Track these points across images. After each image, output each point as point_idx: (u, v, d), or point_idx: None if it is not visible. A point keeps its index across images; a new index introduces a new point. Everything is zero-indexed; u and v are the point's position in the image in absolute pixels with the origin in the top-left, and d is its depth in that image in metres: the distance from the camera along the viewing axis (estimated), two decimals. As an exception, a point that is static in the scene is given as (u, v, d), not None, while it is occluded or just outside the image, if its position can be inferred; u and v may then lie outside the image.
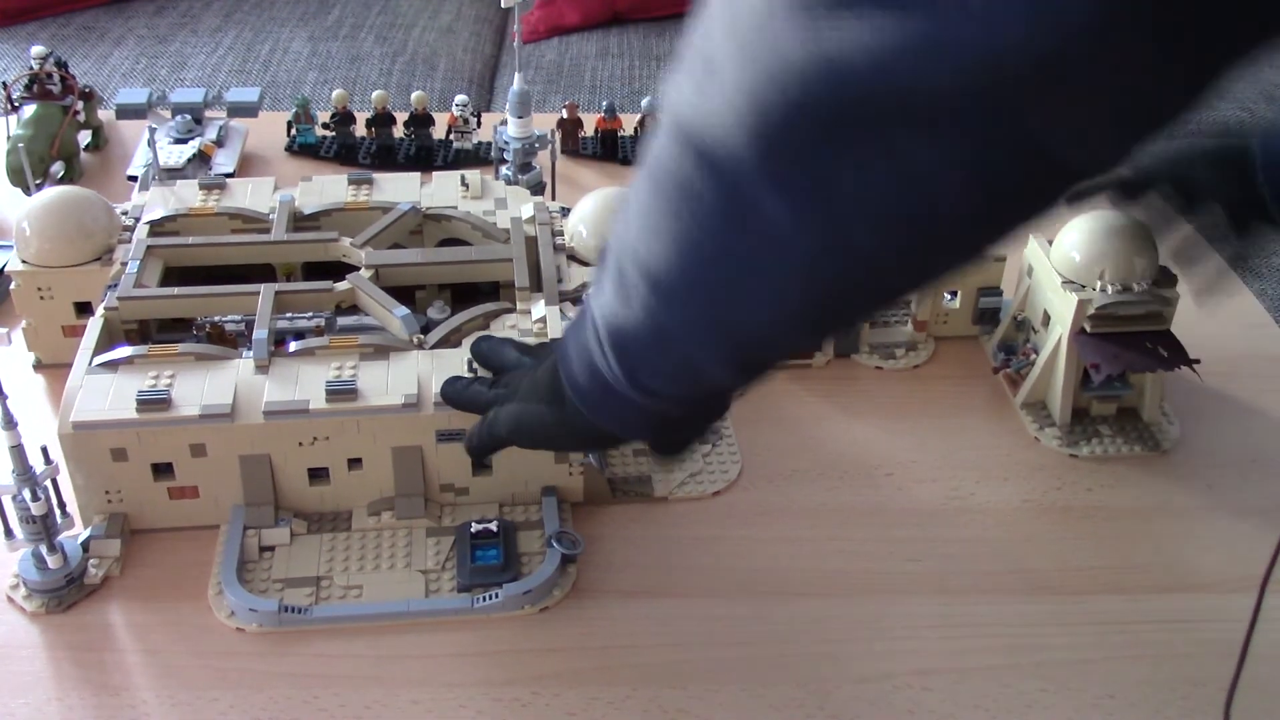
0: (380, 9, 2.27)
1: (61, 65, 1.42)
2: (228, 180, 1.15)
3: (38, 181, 1.33)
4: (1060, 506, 1.00)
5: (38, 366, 1.11)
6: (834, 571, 0.94)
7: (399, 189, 1.15)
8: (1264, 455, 1.06)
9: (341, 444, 0.92)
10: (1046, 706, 0.84)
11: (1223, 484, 1.03)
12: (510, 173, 1.26)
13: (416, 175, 1.17)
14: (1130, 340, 1.02)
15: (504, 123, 1.30)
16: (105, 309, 0.99)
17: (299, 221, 1.11)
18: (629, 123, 1.51)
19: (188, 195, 1.13)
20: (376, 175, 1.16)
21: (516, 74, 1.20)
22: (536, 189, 1.25)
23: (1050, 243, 1.07)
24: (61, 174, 1.35)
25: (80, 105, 1.41)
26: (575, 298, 1.00)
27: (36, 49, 1.41)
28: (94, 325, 0.98)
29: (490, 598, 0.88)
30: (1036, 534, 0.98)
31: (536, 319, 0.97)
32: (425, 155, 1.46)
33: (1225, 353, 1.17)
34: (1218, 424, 1.07)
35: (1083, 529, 0.98)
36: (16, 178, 1.34)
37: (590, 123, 1.50)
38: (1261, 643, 0.89)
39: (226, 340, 1.02)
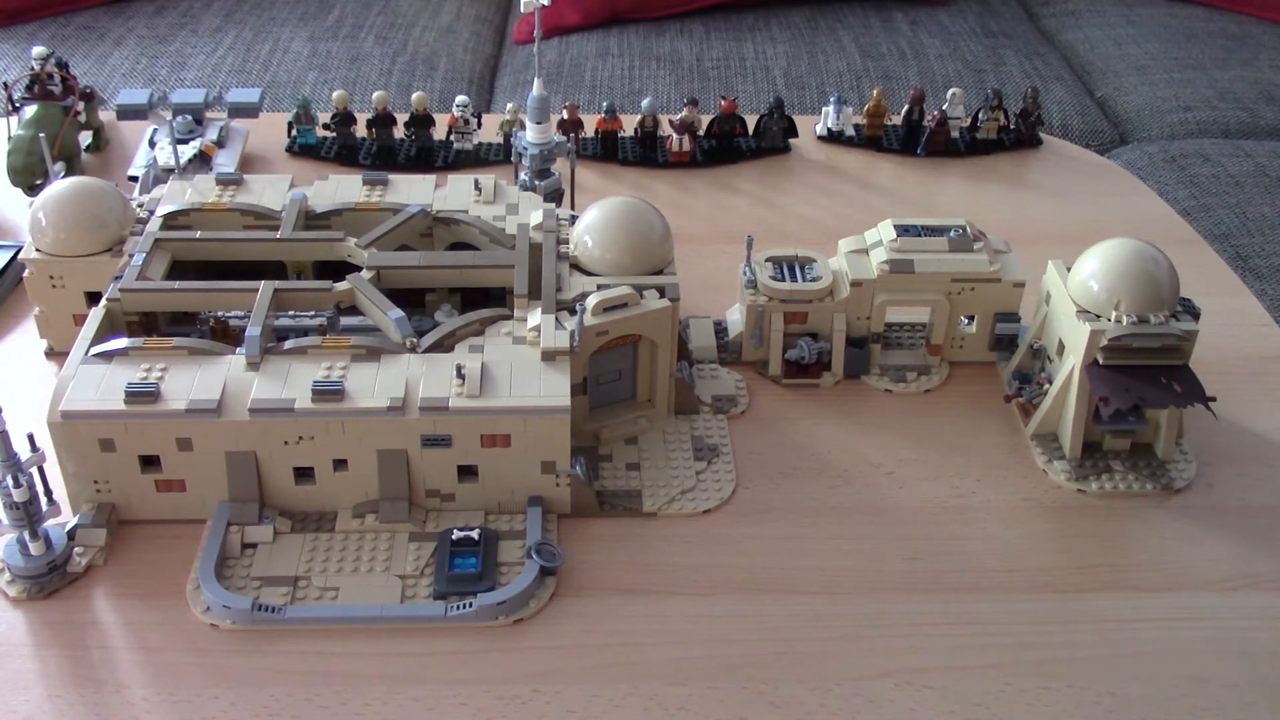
0: (380, 9, 2.27)
1: (62, 66, 1.42)
2: (244, 176, 1.16)
3: (39, 182, 1.33)
4: (1060, 505, 1.00)
5: (49, 354, 1.12)
6: (834, 570, 0.94)
7: (412, 191, 1.15)
8: (1264, 454, 1.06)
9: (327, 444, 0.92)
10: (1047, 704, 0.84)
11: (1223, 483, 1.03)
12: (527, 178, 1.24)
13: (431, 178, 1.17)
14: (1144, 374, 0.99)
15: (523, 126, 1.29)
16: (107, 300, 1.00)
17: (310, 220, 1.11)
18: (629, 123, 1.51)
19: (204, 189, 1.14)
20: (392, 177, 1.17)
21: (536, 79, 1.19)
22: (554, 195, 1.24)
23: (1069, 269, 1.05)
24: (62, 175, 1.35)
25: (81, 106, 1.41)
26: (571, 307, 0.99)
27: (37, 49, 1.41)
28: (95, 316, 0.99)
29: (464, 607, 0.88)
30: (1037, 532, 0.98)
31: (531, 326, 0.97)
32: (425, 156, 1.46)
33: (1226, 352, 1.17)
34: (1218, 423, 1.07)
35: (1083, 527, 0.98)
36: (17, 178, 1.35)
37: (590, 123, 1.50)
38: (1263, 641, 0.89)
39: (230, 335, 1.03)
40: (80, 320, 1.00)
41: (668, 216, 1.07)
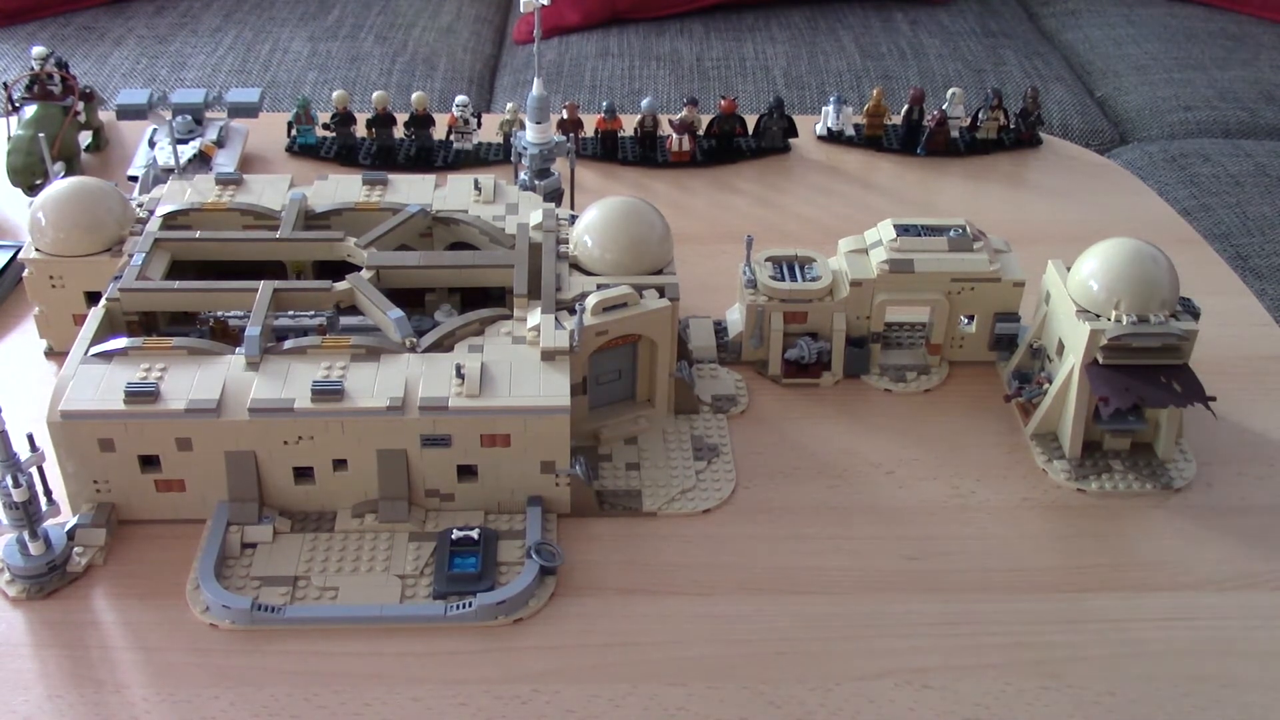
0: (380, 9, 2.27)
1: (62, 66, 1.42)
2: (244, 176, 1.16)
3: (38, 182, 1.33)
4: (1060, 504, 1.00)
5: (49, 354, 1.12)
6: (834, 569, 0.94)
7: (412, 191, 1.15)
8: (1264, 454, 1.06)
9: (326, 444, 0.92)
10: (1047, 704, 0.84)
11: (1223, 483, 1.03)
12: (527, 178, 1.24)
13: (431, 177, 1.17)
14: (1144, 374, 0.99)
15: (523, 126, 1.29)
16: (107, 300, 1.00)
17: (310, 220, 1.11)
18: (629, 123, 1.51)
19: (204, 189, 1.14)
20: (391, 176, 1.17)
21: (536, 79, 1.18)
22: (554, 195, 1.24)
23: (1069, 269, 1.05)
24: (62, 175, 1.35)
25: (81, 106, 1.41)
26: (571, 307, 0.99)
27: (37, 49, 1.41)
28: (94, 316, 0.99)
29: (464, 606, 0.88)
30: (1037, 532, 0.98)
31: (531, 326, 0.97)
32: (425, 156, 1.46)
33: (1226, 352, 1.17)
34: (1218, 423, 1.07)
35: (1083, 527, 0.98)
36: (17, 178, 1.35)
37: (590, 123, 1.50)
38: (1263, 641, 0.89)
39: (229, 335, 1.03)
40: (80, 320, 1.00)
41: (667, 216, 1.07)
